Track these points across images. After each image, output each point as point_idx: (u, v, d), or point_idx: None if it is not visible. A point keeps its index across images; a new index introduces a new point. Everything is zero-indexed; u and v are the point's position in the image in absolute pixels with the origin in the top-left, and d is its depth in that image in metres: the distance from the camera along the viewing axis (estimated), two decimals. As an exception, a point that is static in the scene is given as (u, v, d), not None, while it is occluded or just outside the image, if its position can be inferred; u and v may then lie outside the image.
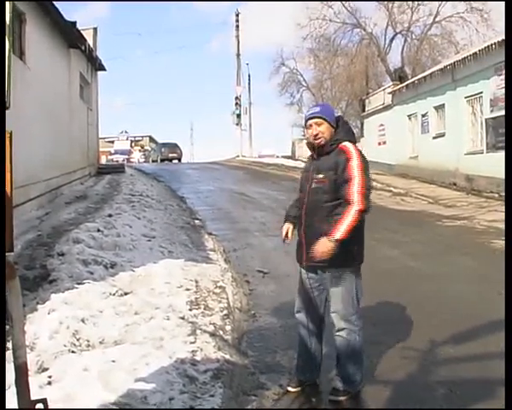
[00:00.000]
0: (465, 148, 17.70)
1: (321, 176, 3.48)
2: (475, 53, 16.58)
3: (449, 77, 18.60)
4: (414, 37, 35.91)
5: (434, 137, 20.29)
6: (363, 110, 31.44)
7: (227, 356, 4.09)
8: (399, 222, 11.67)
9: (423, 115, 21.38)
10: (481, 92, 16.43)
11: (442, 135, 19.61)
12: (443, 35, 34.52)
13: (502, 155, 14.86)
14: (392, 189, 18.43)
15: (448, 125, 19.09)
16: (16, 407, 2.03)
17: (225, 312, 5.18)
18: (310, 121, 3.56)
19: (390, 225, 10.81)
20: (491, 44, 15.50)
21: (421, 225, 11.36)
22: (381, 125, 26.85)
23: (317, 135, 3.51)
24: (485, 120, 16.20)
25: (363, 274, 3.66)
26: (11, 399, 2.08)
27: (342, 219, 3.32)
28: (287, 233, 3.75)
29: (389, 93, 25.57)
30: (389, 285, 6.49)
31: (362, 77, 36.59)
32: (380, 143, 26.96)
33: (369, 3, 46.61)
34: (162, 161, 36.92)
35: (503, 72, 14.86)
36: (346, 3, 35.41)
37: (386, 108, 25.96)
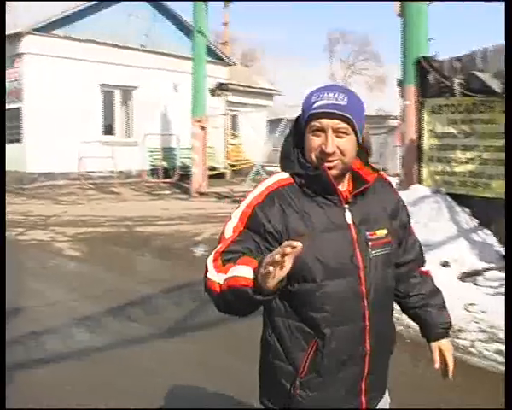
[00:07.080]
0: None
1: (383, 232, 1.71)
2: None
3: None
4: None
5: None
6: None
7: None
8: None
9: None
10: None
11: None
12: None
13: (13, 146, 14.95)
14: None
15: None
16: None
17: None
18: (323, 121, 1.56)
19: None
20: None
21: None
22: None
23: (330, 153, 1.58)
24: None
25: None
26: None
27: (437, 296, 1.95)
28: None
29: None
30: None
31: None
32: None
33: None
34: None
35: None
36: None
37: None
